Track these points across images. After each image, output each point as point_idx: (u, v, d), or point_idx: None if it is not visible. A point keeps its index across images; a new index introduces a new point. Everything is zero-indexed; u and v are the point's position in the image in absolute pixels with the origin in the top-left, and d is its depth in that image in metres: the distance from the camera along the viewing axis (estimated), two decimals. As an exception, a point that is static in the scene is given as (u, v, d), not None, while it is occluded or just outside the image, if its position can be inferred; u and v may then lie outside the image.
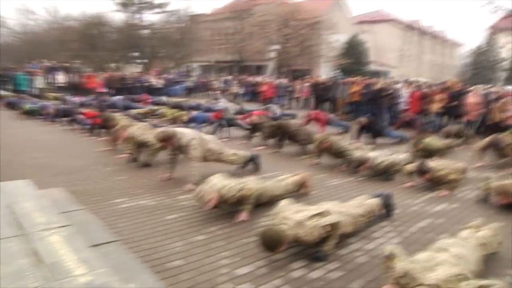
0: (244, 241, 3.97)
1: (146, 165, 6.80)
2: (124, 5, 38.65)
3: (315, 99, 18.76)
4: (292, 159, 7.90)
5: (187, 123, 10.67)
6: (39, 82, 21.12)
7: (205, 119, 10.71)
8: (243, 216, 4.44)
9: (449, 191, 5.81)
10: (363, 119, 9.79)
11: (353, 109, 15.56)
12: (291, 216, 3.54)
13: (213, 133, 10.15)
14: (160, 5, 39.39)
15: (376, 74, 40.76)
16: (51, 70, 22.41)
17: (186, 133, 5.66)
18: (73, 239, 2.69)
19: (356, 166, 6.68)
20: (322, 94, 17.26)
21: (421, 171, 5.92)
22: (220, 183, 4.41)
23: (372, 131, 9.79)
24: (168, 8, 39.81)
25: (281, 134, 8.50)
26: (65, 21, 39.66)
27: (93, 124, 9.52)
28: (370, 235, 4.26)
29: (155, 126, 8.89)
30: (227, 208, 4.59)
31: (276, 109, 13.86)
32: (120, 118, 7.97)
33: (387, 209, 4.73)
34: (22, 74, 20.59)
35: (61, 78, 21.81)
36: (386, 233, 4.35)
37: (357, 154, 6.87)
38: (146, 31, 38.54)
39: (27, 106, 12.98)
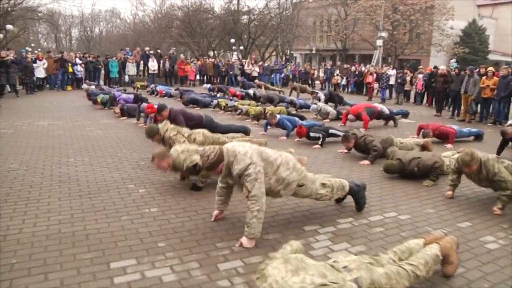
0: None
1: (196, 188, 4.79)
2: (223, -9, 37.72)
3: (431, 94, 15.55)
4: (413, 185, 5.34)
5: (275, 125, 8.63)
6: (131, 69, 20.50)
7: (294, 124, 8.43)
8: None
9: None
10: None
11: (484, 109, 12.17)
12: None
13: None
14: (259, -10, 37.88)
15: (496, 65, 35.27)
16: (144, 57, 21.71)
17: (241, 153, 3.36)
18: None
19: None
20: (440, 88, 13.93)
21: None
22: (278, 282, 2.12)
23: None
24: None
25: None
26: (170, 10, 40.09)
27: (154, 119, 7.80)
28: None
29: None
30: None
31: (384, 108, 11.09)
32: (168, 127, 5.74)
33: None
34: (113, 61, 19.99)
35: (153, 65, 20.98)
36: None
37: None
38: (244, 17, 37.22)
39: (100, 97, 12.57)
